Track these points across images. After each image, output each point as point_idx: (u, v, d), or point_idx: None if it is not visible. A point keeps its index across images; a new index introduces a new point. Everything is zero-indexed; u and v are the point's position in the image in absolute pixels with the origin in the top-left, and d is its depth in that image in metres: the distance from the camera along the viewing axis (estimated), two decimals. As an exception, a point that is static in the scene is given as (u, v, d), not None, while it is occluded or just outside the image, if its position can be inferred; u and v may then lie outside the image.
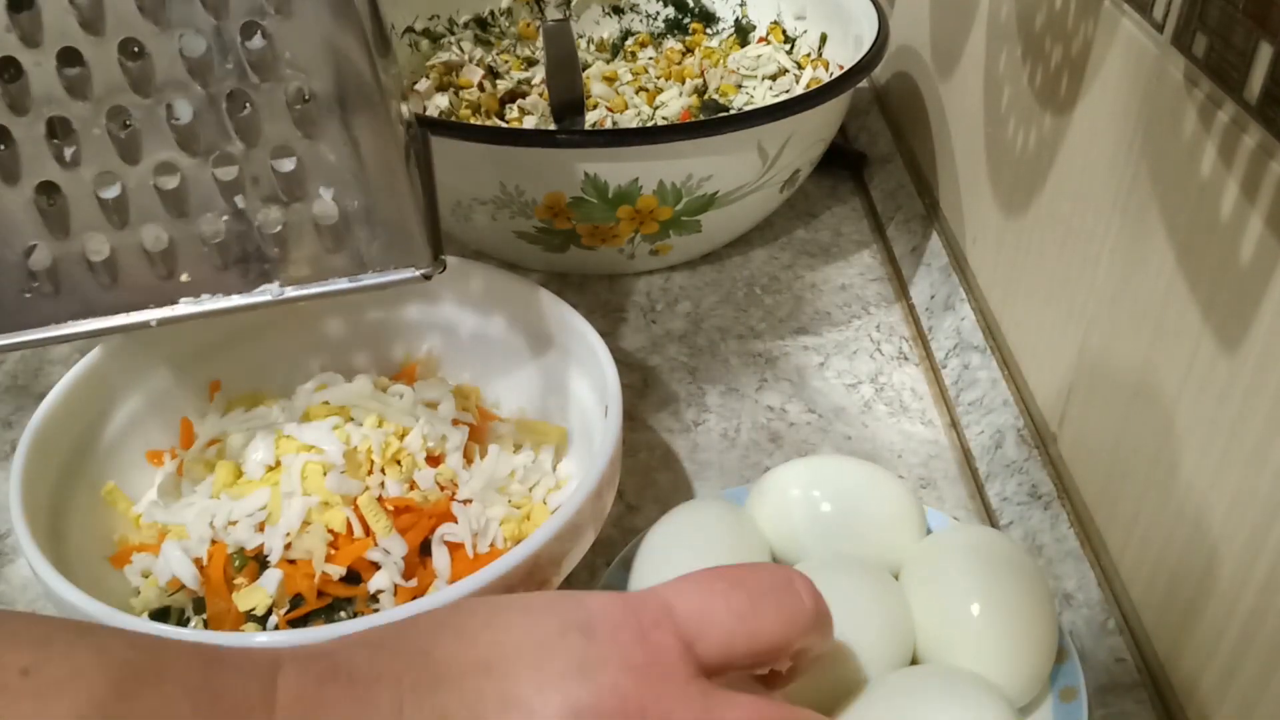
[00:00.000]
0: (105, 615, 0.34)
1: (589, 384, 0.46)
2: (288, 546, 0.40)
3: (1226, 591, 0.35)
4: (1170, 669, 0.39)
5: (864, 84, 0.74)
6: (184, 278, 0.38)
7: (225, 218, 0.38)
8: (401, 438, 0.44)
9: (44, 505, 0.40)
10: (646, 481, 0.52)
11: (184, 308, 0.39)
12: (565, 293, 0.48)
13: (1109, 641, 0.41)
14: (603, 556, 0.45)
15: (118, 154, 0.36)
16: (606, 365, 0.44)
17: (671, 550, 0.40)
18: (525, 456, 0.46)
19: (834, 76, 0.60)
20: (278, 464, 0.43)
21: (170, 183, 0.37)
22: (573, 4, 0.78)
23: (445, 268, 0.40)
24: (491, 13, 0.78)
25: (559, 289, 0.49)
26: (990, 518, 0.50)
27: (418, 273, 0.39)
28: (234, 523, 0.41)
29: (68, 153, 0.36)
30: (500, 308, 0.50)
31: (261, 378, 0.49)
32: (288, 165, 0.37)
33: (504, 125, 0.67)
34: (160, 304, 0.38)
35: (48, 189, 0.36)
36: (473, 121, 0.67)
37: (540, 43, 0.74)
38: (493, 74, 0.73)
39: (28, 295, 0.37)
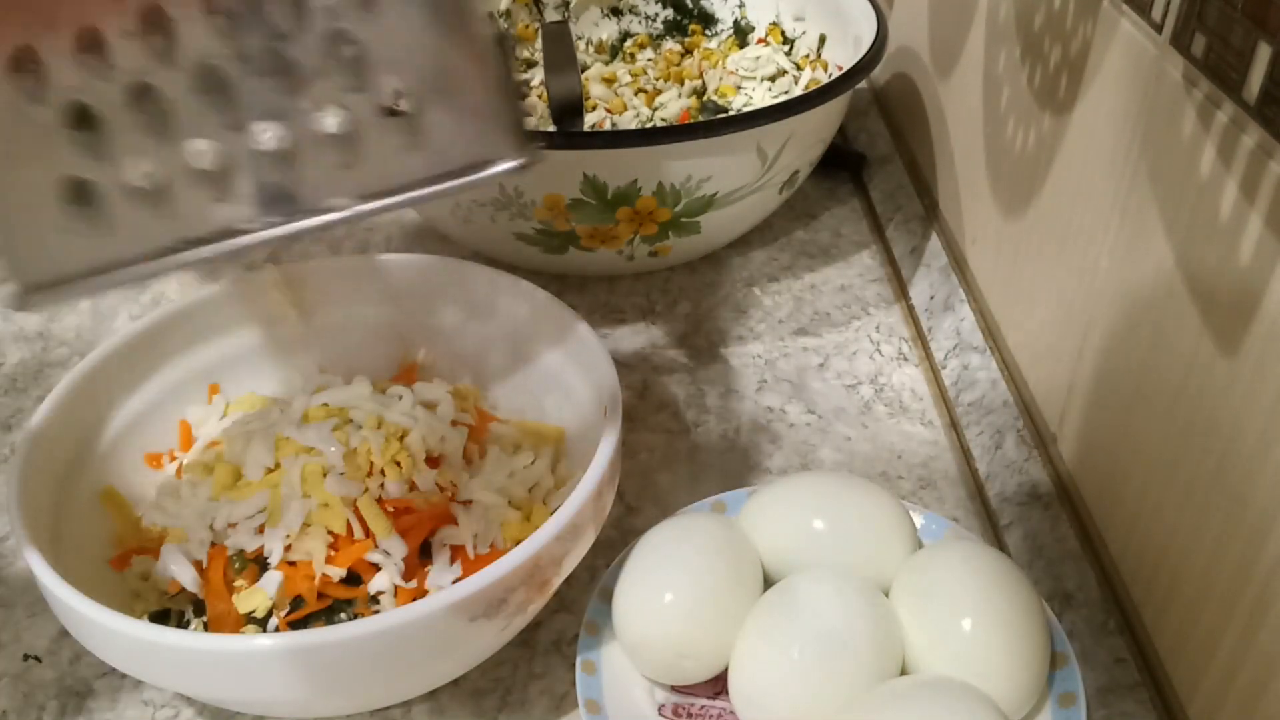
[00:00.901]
0: (105, 618, 0.34)
1: (589, 384, 0.46)
2: (288, 548, 0.40)
3: (1226, 591, 0.35)
4: (1170, 669, 0.39)
5: (863, 84, 0.74)
6: (244, 199, 0.32)
7: (284, 121, 0.32)
8: (401, 439, 0.44)
9: (44, 507, 0.40)
10: (646, 482, 0.52)
11: (249, 237, 0.33)
12: (565, 293, 0.48)
13: (1109, 642, 0.41)
14: (603, 556, 0.45)
15: (153, 54, 0.30)
16: (606, 365, 0.44)
17: (661, 564, 0.40)
18: (525, 457, 0.46)
19: (833, 77, 0.60)
20: (277, 465, 0.43)
21: (217, 84, 0.31)
22: (571, 5, 0.78)
23: (540, 156, 0.34)
24: (490, 14, 0.78)
25: (559, 290, 0.49)
26: (990, 518, 0.50)
27: (512, 163, 0.33)
28: (233, 525, 0.41)
29: (93, 57, 0.30)
30: (500, 309, 0.50)
31: (260, 379, 0.49)
32: (350, 49, 0.31)
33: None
34: (220, 231, 0.32)
35: (77, 104, 0.31)
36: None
37: (539, 44, 0.74)
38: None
39: (70, 235, 0.31)
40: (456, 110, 0.32)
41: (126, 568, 0.42)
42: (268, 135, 0.32)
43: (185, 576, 0.40)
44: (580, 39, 0.78)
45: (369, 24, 0.31)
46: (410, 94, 0.32)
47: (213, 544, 0.41)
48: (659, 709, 0.40)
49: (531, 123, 0.34)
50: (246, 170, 0.32)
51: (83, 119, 0.31)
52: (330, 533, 0.40)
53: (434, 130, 0.32)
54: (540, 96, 0.70)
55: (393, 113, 0.32)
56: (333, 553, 0.40)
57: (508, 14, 0.78)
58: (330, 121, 0.32)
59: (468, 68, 0.32)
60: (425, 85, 0.32)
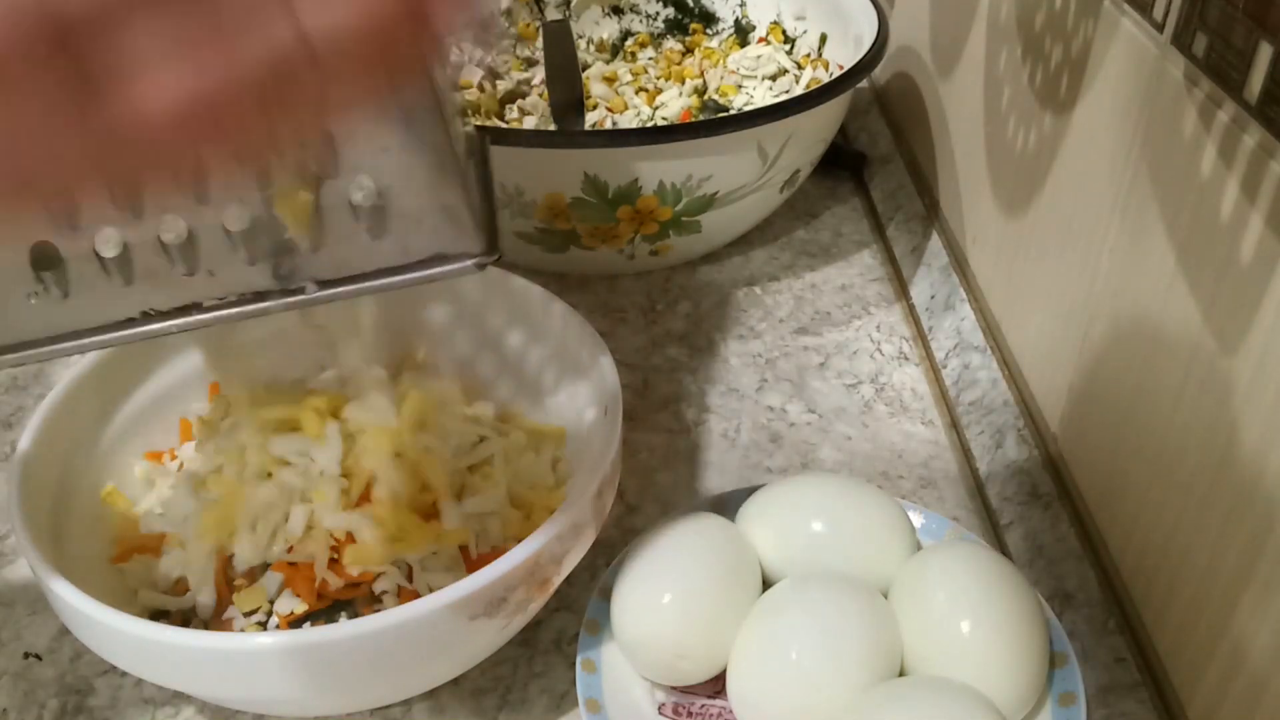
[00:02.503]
0: (106, 616, 0.34)
1: (589, 384, 0.46)
2: (289, 549, 0.41)
3: (1226, 591, 0.35)
4: (1170, 668, 0.39)
5: (864, 84, 0.74)
6: (207, 274, 0.33)
7: (251, 204, 0.32)
8: (401, 439, 0.44)
9: (44, 505, 0.40)
10: (646, 481, 0.52)
11: (209, 314, 0.34)
12: (566, 292, 0.48)
13: (1109, 641, 0.41)
14: (603, 556, 0.45)
15: None
16: (606, 365, 0.44)
17: (660, 565, 0.40)
18: (525, 456, 0.46)
19: (834, 77, 0.60)
20: (281, 466, 0.43)
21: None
22: (572, 4, 0.78)
23: (501, 256, 0.35)
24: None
25: (559, 289, 0.48)
26: (990, 517, 0.50)
27: (470, 263, 0.34)
28: (233, 534, 0.41)
29: None
30: (500, 308, 0.50)
31: (261, 378, 0.49)
32: (321, 143, 0.32)
33: (504, 126, 0.67)
34: (182, 306, 0.34)
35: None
36: (473, 122, 0.67)
37: (540, 43, 0.74)
38: (492, 74, 0.73)
39: (33, 300, 0.32)
40: (423, 208, 0.33)
41: (127, 566, 0.42)
42: (231, 217, 0.32)
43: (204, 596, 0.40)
44: (581, 38, 0.78)
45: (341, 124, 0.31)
46: (378, 188, 0.32)
47: (214, 545, 0.41)
48: (659, 708, 0.40)
49: (498, 225, 0.34)
50: (208, 249, 0.32)
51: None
52: (332, 535, 0.41)
53: (399, 225, 0.33)
54: (541, 95, 0.70)
55: (360, 207, 0.32)
56: (334, 554, 0.40)
57: (509, 13, 0.78)
58: (301, 210, 0.32)
59: (436, 171, 0.32)
60: (394, 182, 0.32)
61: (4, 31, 0.19)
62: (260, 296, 0.34)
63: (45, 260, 0.32)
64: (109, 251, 0.32)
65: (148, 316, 0.34)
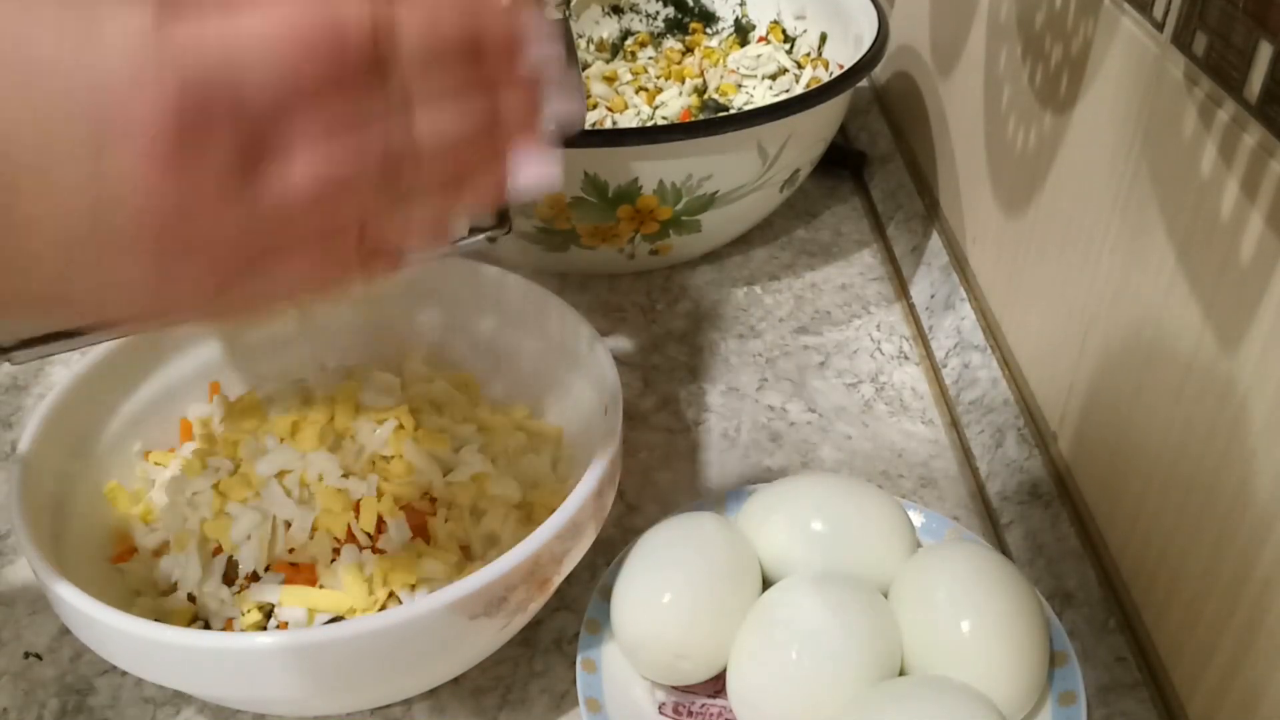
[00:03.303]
0: (106, 616, 0.34)
1: (589, 384, 0.45)
2: (290, 550, 0.41)
3: (1226, 591, 0.35)
4: (1170, 669, 0.39)
5: (864, 84, 0.73)
6: None
7: None
8: (402, 440, 0.44)
9: (45, 505, 0.40)
10: (646, 481, 0.52)
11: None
12: (566, 291, 0.48)
13: (1109, 641, 0.41)
14: (603, 556, 0.45)
15: None
16: (606, 365, 0.44)
17: (660, 565, 0.40)
18: (525, 457, 0.46)
19: (834, 76, 0.60)
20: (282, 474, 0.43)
21: None
22: (572, 3, 0.78)
23: (510, 228, 0.37)
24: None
25: (560, 288, 0.49)
26: (990, 517, 0.50)
27: (481, 236, 0.36)
28: (235, 547, 0.41)
29: None
30: (500, 308, 0.50)
31: (261, 377, 0.49)
32: None
33: None
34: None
35: None
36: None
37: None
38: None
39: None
40: None
41: (128, 566, 0.42)
42: None
43: (189, 578, 0.40)
44: (581, 37, 0.78)
45: None
46: None
47: (215, 546, 0.41)
48: (659, 707, 0.40)
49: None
50: None
51: None
52: (334, 537, 0.41)
53: None
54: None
55: None
56: (335, 555, 0.40)
57: (509, 12, 0.78)
58: None
59: None
60: None
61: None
62: None
63: None
64: None
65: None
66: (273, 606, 0.40)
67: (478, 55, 0.25)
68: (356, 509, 0.41)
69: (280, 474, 0.42)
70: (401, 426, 0.44)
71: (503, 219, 0.36)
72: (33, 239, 0.22)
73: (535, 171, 0.28)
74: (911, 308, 0.63)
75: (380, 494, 0.42)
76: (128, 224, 0.22)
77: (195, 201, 0.22)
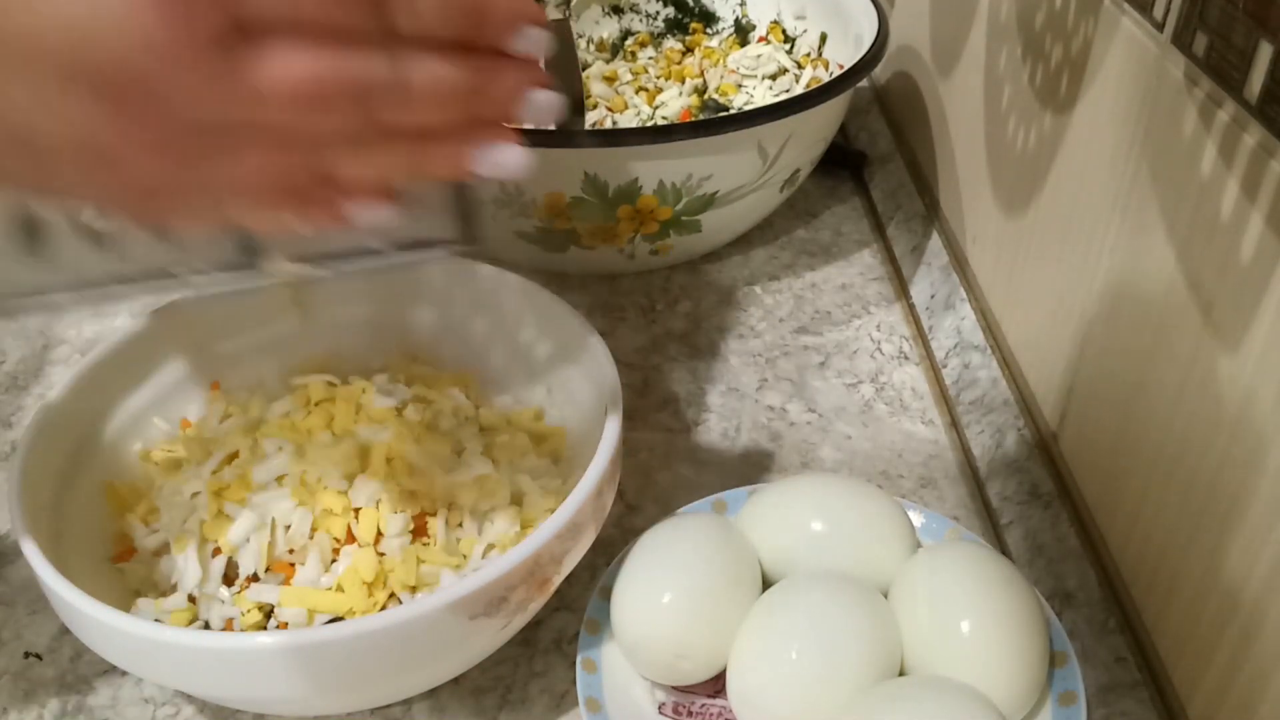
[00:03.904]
0: (105, 615, 0.34)
1: (589, 384, 0.45)
2: (290, 551, 0.41)
3: (1226, 591, 0.35)
4: (1170, 668, 0.39)
5: (864, 84, 0.73)
6: (200, 251, 0.35)
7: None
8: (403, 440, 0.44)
9: (44, 505, 0.40)
10: (646, 481, 0.52)
11: (205, 285, 0.35)
12: (566, 291, 0.48)
13: (1110, 641, 0.41)
14: (603, 556, 0.45)
15: None
16: (606, 365, 0.44)
17: (660, 564, 0.40)
18: (525, 457, 0.46)
19: (834, 76, 0.60)
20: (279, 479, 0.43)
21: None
22: (572, 3, 0.78)
23: (479, 243, 0.37)
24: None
25: (560, 288, 0.48)
26: (990, 517, 0.50)
27: (447, 248, 0.36)
28: (235, 548, 0.41)
29: None
30: (500, 307, 0.50)
31: (261, 377, 0.49)
32: None
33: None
34: (179, 280, 0.35)
35: None
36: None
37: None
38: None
39: (14, 262, 0.34)
40: (409, 204, 0.34)
41: (128, 566, 0.42)
42: None
43: (189, 578, 0.40)
44: (581, 37, 0.78)
45: None
46: None
47: (216, 547, 0.41)
48: (659, 707, 0.40)
49: (474, 213, 0.37)
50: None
51: None
52: (334, 538, 0.41)
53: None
54: (541, 95, 0.70)
55: None
56: (335, 556, 0.40)
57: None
58: None
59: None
60: None
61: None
62: (238, 269, 0.35)
63: (30, 229, 0.34)
64: (99, 224, 0.33)
65: (126, 280, 0.35)
66: (273, 607, 0.40)
67: (482, 17, 0.26)
68: (356, 510, 0.41)
69: (280, 475, 0.42)
70: (402, 427, 0.44)
71: (469, 235, 0.36)
72: (12, 56, 0.22)
73: (505, 156, 0.28)
74: (911, 308, 0.63)
75: (381, 495, 0.42)
76: (106, 61, 0.22)
77: (175, 57, 0.22)
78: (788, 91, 0.71)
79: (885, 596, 0.40)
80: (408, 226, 0.35)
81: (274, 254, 0.35)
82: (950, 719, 0.35)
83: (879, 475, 0.52)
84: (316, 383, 0.47)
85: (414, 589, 0.40)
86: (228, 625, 0.40)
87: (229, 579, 0.41)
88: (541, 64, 0.28)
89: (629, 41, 0.78)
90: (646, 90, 0.71)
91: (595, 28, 0.79)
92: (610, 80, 0.72)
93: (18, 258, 0.34)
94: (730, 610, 0.39)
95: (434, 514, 0.42)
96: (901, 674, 0.39)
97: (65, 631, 0.44)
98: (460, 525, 0.42)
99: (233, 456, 0.44)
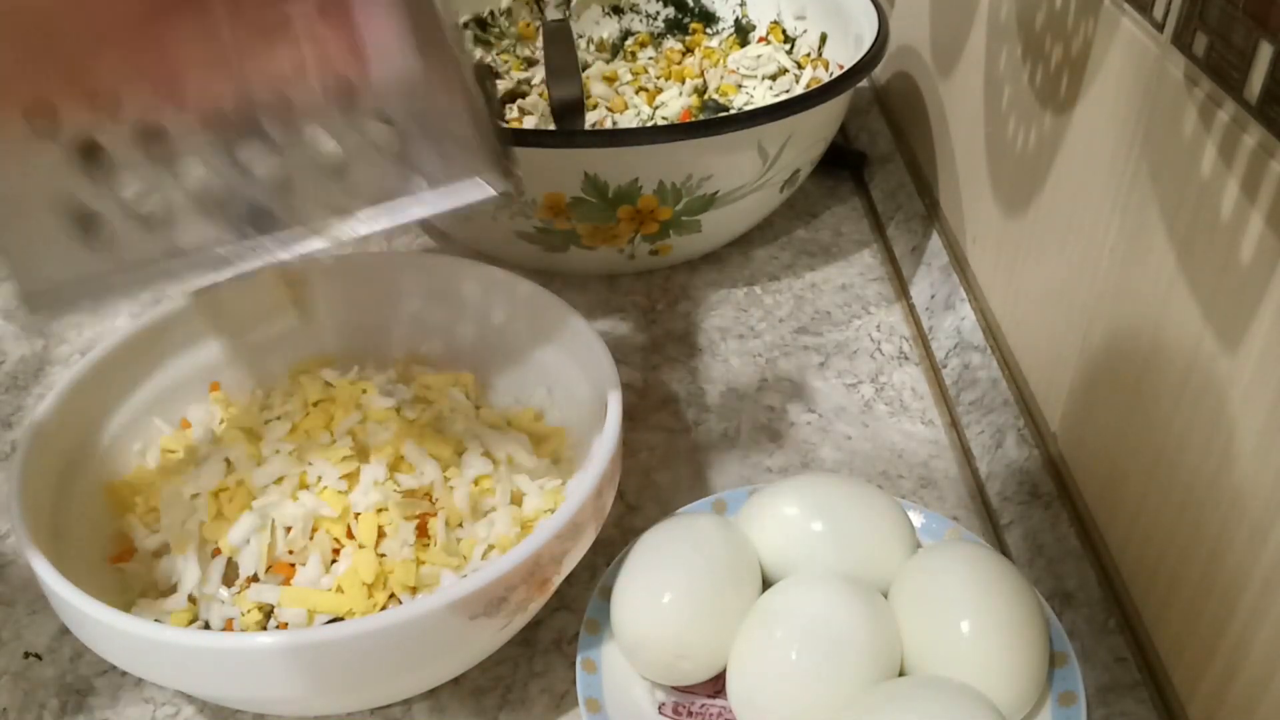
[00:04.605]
0: (105, 615, 0.34)
1: (589, 384, 0.46)
2: (290, 551, 0.41)
3: (1226, 591, 0.35)
4: (1170, 669, 0.39)
5: (864, 84, 0.74)
6: (239, 223, 0.34)
7: (275, 150, 0.34)
8: (403, 441, 0.44)
9: (45, 504, 0.40)
10: (646, 481, 0.52)
11: (249, 258, 0.34)
12: (566, 292, 0.48)
13: (1109, 641, 0.41)
14: (603, 556, 0.45)
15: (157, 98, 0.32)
16: (606, 365, 0.44)
17: (660, 564, 0.40)
18: (525, 457, 0.46)
19: (834, 76, 0.60)
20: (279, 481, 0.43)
21: (217, 113, 0.33)
22: (572, 4, 0.78)
23: (519, 187, 0.36)
24: (491, 13, 0.78)
25: (560, 288, 0.49)
26: (990, 517, 0.50)
27: (491, 191, 0.35)
28: (235, 549, 0.41)
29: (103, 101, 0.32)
30: (500, 307, 0.50)
31: (261, 377, 0.49)
32: (339, 83, 0.33)
33: (504, 125, 0.67)
34: (220, 255, 0.34)
35: (86, 139, 0.32)
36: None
37: (540, 42, 0.74)
38: (492, 74, 0.73)
39: (71, 250, 0.33)
40: (439, 141, 0.34)
41: (128, 566, 0.42)
42: (261, 162, 0.34)
43: (189, 580, 0.40)
44: (581, 37, 0.78)
45: (357, 62, 0.33)
46: (396, 124, 0.34)
47: (215, 548, 0.41)
48: (659, 708, 0.40)
49: (513, 154, 0.36)
50: (240, 195, 0.34)
51: (90, 152, 0.33)
52: (334, 538, 0.41)
53: (418, 159, 0.34)
54: (541, 95, 0.70)
55: (380, 145, 0.34)
56: (335, 556, 0.40)
57: (509, 12, 0.78)
58: (322, 151, 0.34)
59: (449, 101, 0.34)
60: (409, 117, 0.34)
61: None
62: (290, 238, 0.34)
63: (83, 215, 0.33)
64: (140, 203, 0.33)
65: (183, 260, 0.34)
66: (273, 607, 0.40)
67: None
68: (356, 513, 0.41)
69: (280, 476, 0.42)
70: (402, 427, 0.44)
71: (506, 175, 0.35)
72: None
73: None
74: (911, 308, 0.63)
75: (380, 495, 0.42)
76: None
77: None
78: (788, 91, 0.71)
79: (885, 596, 0.40)
80: (437, 176, 0.35)
81: (318, 215, 0.34)
82: (950, 719, 0.35)
83: (879, 475, 0.52)
84: (316, 383, 0.47)
85: (414, 590, 0.40)
86: (228, 625, 0.40)
87: (229, 579, 0.41)
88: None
89: (629, 42, 0.78)
90: (646, 90, 0.71)
91: (595, 28, 0.79)
92: (610, 80, 0.72)
93: (72, 246, 0.33)
94: (730, 610, 0.39)
95: (434, 514, 0.42)
96: (901, 674, 0.39)
97: (65, 631, 0.44)
98: (460, 525, 0.42)
99: (233, 457, 0.44)
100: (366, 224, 0.35)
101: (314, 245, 0.35)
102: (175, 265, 0.34)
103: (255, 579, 0.40)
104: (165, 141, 0.33)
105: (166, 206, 0.34)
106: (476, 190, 0.35)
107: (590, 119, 0.68)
